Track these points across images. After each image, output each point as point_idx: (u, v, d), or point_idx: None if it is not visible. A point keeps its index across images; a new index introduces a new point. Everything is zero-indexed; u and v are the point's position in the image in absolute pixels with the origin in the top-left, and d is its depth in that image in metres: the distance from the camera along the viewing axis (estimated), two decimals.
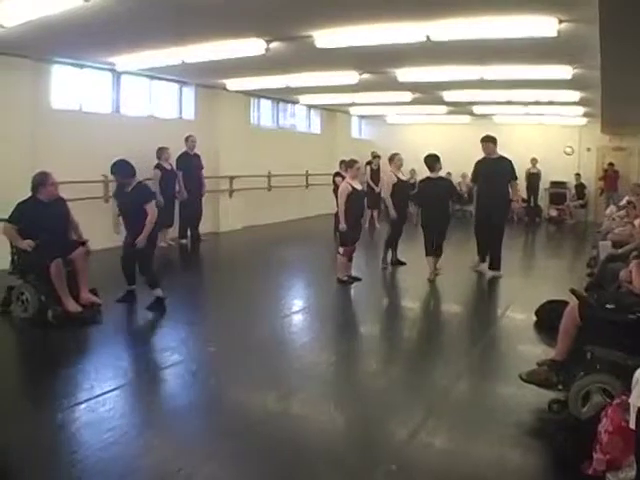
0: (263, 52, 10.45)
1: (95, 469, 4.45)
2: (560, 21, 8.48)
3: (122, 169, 9.03)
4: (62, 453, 4.76)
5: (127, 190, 9.06)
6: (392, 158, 12.29)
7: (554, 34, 8.77)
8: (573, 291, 5.60)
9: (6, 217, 8.35)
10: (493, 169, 11.45)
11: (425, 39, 9.16)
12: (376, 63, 12.51)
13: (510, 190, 11.82)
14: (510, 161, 11.67)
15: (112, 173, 9.21)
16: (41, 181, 8.39)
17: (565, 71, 12.18)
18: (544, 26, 8.64)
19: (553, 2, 7.87)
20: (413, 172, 21.77)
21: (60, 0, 7.70)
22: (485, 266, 11.77)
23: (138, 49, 11.44)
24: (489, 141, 11.60)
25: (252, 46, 10.36)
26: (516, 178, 12.00)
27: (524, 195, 22.82)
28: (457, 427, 5.25)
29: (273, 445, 4.87)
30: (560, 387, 5.49)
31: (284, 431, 5.17)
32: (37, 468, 4.46)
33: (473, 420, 5.40)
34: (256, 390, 6.20)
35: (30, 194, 8.53)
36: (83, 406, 5.63)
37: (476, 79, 13.23)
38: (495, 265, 11.65)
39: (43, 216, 8.20)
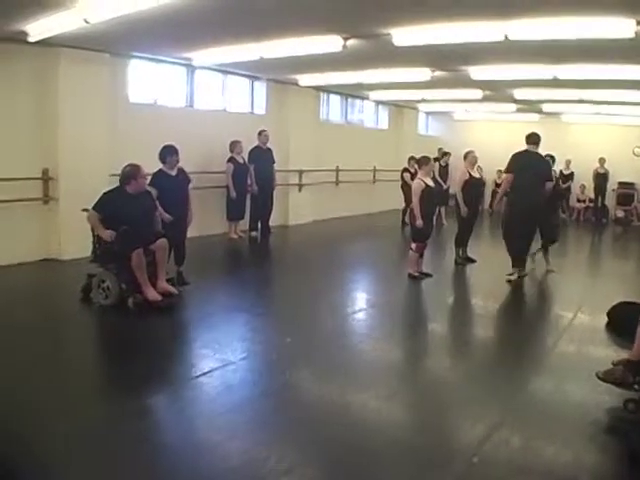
0: (340, 49, 10.50)
1: (182, 454, 4.57)
2: (638, 22, 8.41)
3: (175, 151, 9.52)
4: (147, 438, 4.89)
5: (173, 174, 9.52)
6: (466, 155, 12.34)
7: (631, 35, 8.68)
8: None
9: (88, 207, 8.52)
10: None
11: (503, 38, 9.15)
12: (450, 61, 12.51)
13: None
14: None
15: (169, 156, 9.48)
16: (132, 174, 8.53)
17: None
18: (622, 27, 8.57)
19: (632, 4, 7.81)
20: (480, 169, 21.72)
21: None
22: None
23: (216, 45, 11.60)
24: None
25: (330, 43, 10.41)
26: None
27: (591, 195, 22.65)
28: (534, 424, 5.28)
29: (352, 435, 4.97)
30: (636, 387, 5.51)
31: (363, 422, 5.28)
32: (122, 452, 4.57)
33: (549, 418, 5.42)
34: (332, 382, 6.29)
35: (115, 185, 8.78)
36: (165, 392, 5.87)
37: (549, 78, 13.13)
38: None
39: (129, 208, 8.32)
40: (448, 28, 9.22)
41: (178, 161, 9.58)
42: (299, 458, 4.62)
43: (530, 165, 10.91)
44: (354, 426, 5.16)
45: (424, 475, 4.45)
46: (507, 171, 11.16)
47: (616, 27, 8.59)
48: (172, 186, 9.41)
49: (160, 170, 9.51)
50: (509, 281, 10.92)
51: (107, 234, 8.28)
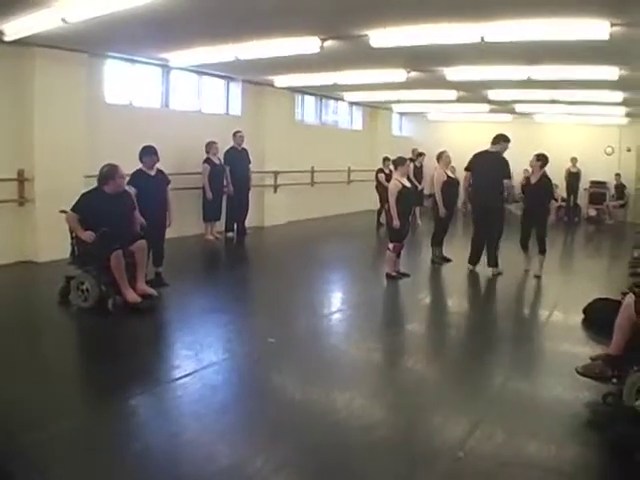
0: (318, 50, 10.53)
1: (167, 456, 4.58)
2: (612, 24, 8.53)
3: (154, 152, 9.62)
4: (131, 441, 4.87)
5: (152, 174, 9.59)
6: (440, 156, 12.42)
7: (606, 37, 8.80)
8: (635, 287, 5.76)
9: (65, 208, 8.48)
10: None
11: (480, 40, 9.23)
12: (427, 62, 12.59)
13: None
14: None
15: (148, 156, 9.58)
16: (110, 174, 8.49)
17: (612, 72, 12.19)
18: (597, 29, 8.68)
19: (606, 6, 7.93)
20: (453, 169, 21.84)
21: None
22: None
23: (193, 45, 11.60)
24: None
25: (307, 44, 10.45)
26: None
27: (564, 194, 22.86)
28: (515, 419, 5.37)
29: (336, 434, 5.03)
30: (614, 381, 5.62)
31: (347, 421, 5.31)
32: (106, 455, 4.56)
33: (529, 413, 5.52)
34: (314, 382, 6.33)
35: (91, 186, 8.79)
36: (149, 394, 5.85)
37: (523, 79, 13.26)
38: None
39: (107, 208, 8.29)
40: (425, 30, 9.28)
41: (156, 161, 9.61)
42: (286, 458, 4.64)
43: (487, 165, 11.34)
44: (338, 425, 5.21)
45: (411, 472, 4.50)
46: (466, 169, 11.82)
47: (591, 29, 8.71)
48: (151, 186, 9.44)
49: (139, 170, 9.53)
50: (471, 270, 11.71)
51: (86, 235, 8.22)
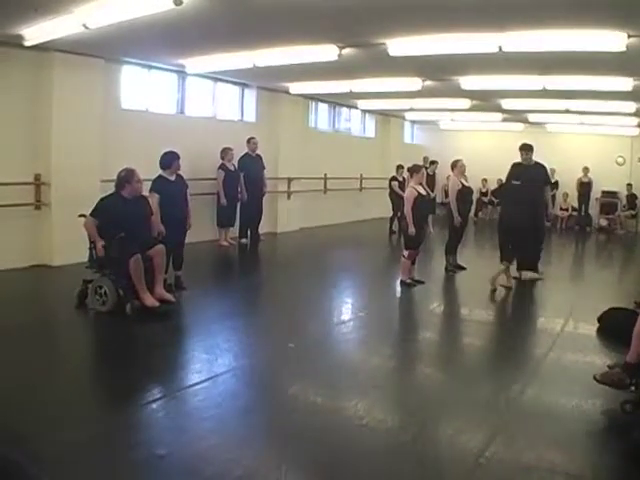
0: (336, 58, 10.57)
1: (190, 462, 4.54)
2: (629, 36, 8.57)
3: (179, 156, 9.74)
4: (153, 447, 4.78)
5: (172, 179, 9.68)
6: (455, 164, 12.42)
7: (623, 49, 8.84)
8: None
9: (83, 212, 8.56)
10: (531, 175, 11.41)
11: (497, 50, 9.25)
12: (442, 71, 12.63)
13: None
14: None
15: (175, 160, 9.70)
16: (127, 178, 8.58)
17: (626, 83, 12.25)
18: (614, 41, 8.73)
19: (624, 17, 7.96)
20: (465, 178, 21.85)
21: (150, 4, 7.77)
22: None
23: (210, 52, 11.67)
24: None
25: (325, 52, 10.50)
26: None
27: (575, 204, 22.89)
28: (534, 426, 5.37)
29: (357, 442, 5.04)
30: (633, 389, 5.65)
31: (366, 429, 5.28)
32: (125, 462, 4.49)
33: (548, 419, 5.52)
34: (333, 388, 6.29)
35: (107, 190, 8.91)
36: (170, 398, 5.85)
37: (538, 89, 13.30)
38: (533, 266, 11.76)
39: (125, 212, 8.34)
40: (444, 39, 9.33)
41: (173, 172, 9.71)
42: (308, 463, 4.67)
43: None
44: (358, 433, 5.20)
45: (433, 477, 4.54)
46: None
47: (608, 40, 8.75)
48: (172, 191, 9.54)
49: (160, 176, 9.61)
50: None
51: (99, 247, 8.34)
